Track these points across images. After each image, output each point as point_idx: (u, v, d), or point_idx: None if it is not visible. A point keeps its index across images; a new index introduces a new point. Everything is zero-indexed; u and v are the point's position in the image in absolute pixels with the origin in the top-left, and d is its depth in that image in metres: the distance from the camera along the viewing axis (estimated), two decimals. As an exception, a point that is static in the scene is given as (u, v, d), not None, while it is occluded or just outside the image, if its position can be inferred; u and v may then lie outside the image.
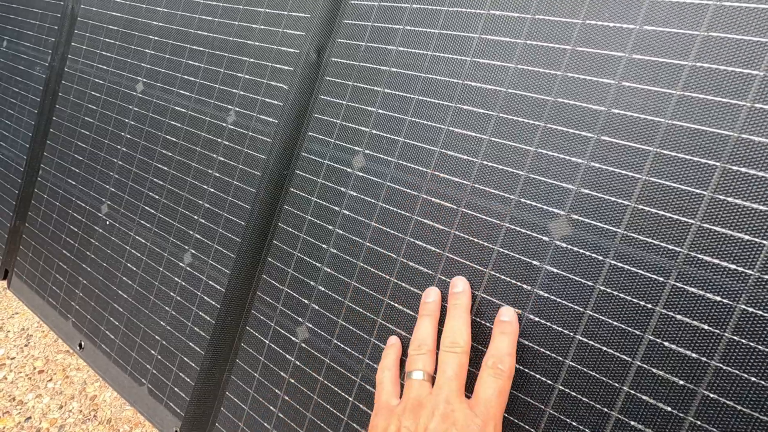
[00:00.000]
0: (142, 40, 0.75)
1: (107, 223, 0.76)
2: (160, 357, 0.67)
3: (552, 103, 0.40)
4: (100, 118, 0.79)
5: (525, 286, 0.40)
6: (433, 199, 0.46)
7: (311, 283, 0.53)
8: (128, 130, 0.75)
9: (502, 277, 0.41)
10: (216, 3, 0.67)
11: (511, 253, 0.41)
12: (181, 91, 0.69)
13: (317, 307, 0.53)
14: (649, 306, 0.35)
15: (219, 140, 0.64)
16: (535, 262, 0.40)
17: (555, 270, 0.39)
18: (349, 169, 0.52)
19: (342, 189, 0.52)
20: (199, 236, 0.65)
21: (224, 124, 0.64)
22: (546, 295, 0.39)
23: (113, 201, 0.76)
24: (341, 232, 0.51)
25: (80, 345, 0.76)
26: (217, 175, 0.64)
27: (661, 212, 0.35)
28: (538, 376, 0.39)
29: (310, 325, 0.53)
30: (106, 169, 0.77)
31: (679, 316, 0.34)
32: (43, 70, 0.89)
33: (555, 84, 0.40)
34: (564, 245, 0.39)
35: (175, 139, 0.69)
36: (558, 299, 0.39)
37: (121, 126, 0.76)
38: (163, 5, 0.73)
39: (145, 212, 0.72)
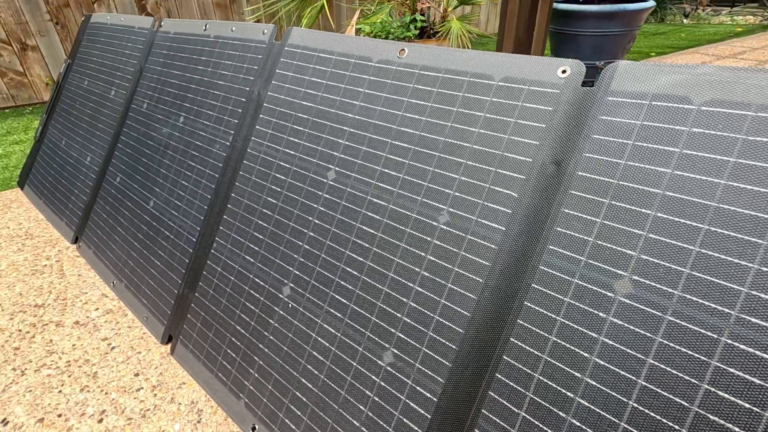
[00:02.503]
0: (335, 130, 0.79)
1: (290, 306, 0.77)
2: (351, 459, 0.64)
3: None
4: (284, 201, 0.82)
5: None
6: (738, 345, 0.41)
7: (562, 414, 0.49)
8: (317, 215, 0.77)
9: None
10: (424, 103, 0.69)
11: None
12: (381, 184, 0.71)
13: (570, 443, 0.48)
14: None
15: (428, 239, 0.64)
16: None
17: None
18: (610, 294, 0.49)
19: (601, 314, 0.49)
20: (402, 336, 0.64)
21: (435, 224, 0.64)
22: None
23: (297, 284, 0.77)
24: (603, 363, 0.48)
25: (253, 428, 0.76)
26: (426, 274, 0.63)
27: None
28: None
29: (562, 463, 0.49)
30: (289, 251, 0.79)
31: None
32: (224, 149, 0.95)
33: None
34: None
35: (373, 231, 0.70)
36: None
37: (309, 211, 0.78)
38: (360, 99, 0.77)
39: (335, 301, 0.72)
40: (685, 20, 5.45)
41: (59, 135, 1.56)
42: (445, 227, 0.63)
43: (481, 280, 0.58)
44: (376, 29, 1.87)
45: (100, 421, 0.80)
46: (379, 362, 0.65)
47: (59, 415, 0.81)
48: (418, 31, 1.86)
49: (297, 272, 0.78)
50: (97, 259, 1.21)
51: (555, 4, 2.41)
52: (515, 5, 2.06)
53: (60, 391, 0.85)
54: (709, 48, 3.69)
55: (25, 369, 0.90)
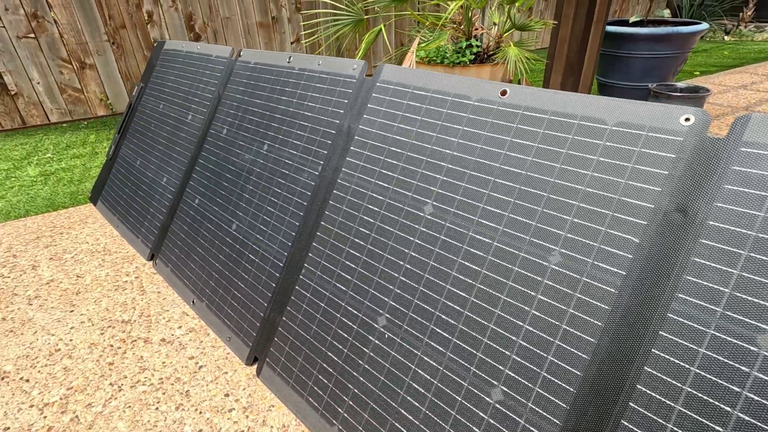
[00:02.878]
0: (432, 165, 0.81)
1: (386, 336, 0.79)
2: (458, 495, 0.65)
3: None
4: (378, 232, 0.85)
5: None
6: None
7: (702, 467, 0.49)
8: (414, 248, 0.79)
9: None
10: (529, 143, 0.71)
11: None
12: (484, 221, 0.72)
13: (712, 498, 0.48)
14: None
15: (539, 279, 0.65)
16: None
17: None
18: (753, 348, 0.49)
19: (743, 368, 0.49)
20: (512, 374, 0.64)
21: (545, 264, 0.65)
22: None
23: (394, 315, 0.79)
24: (749, 419, 0.47)
25: (349, 456, 0.77)
26: (537, 314, 0.64)
27: None
28: None
29: None
30: (385, 282, 0.82)
31: None
32: (312, 178, 0.99)
33: None
34: None
35: (476, 267, 0.71)
36: None
37: (405, 243, 0.81)
38: (459, 137, 0.79)
39: (436, 334, 0.73)
40: (726, 37, 5.33)
41: (133, 155, 1.64)
42: (557, 268, 0.64)
43: (600, 324, 0.59)
44: (431, 54, 1.91)
45: (198, 440, 0.83)
46: (487, 399, 0.66)
47: (159, 433, 0.84)
48: (473, 57, 1.89)
49: (393, 303, 0.80)
50: (176, 278, 1.26)
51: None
52: (567, 31, 2.07)
53: (157, 408, 0.89)
54: (758, 67, 3.60)
55: (122, 385, 0.95)
